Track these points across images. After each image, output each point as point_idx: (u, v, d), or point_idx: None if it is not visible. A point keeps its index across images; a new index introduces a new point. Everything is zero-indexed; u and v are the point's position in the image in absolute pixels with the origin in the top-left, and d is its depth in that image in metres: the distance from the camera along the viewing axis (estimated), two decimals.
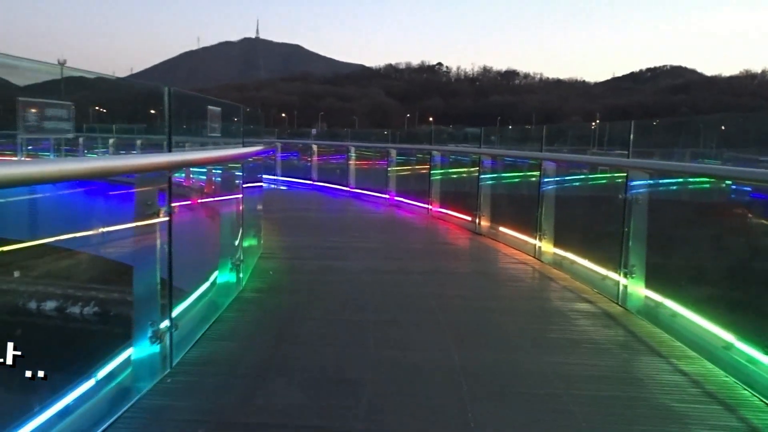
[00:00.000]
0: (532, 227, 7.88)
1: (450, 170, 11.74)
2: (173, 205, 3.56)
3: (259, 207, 7.57)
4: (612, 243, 5.76)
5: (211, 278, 5.20)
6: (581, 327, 4.77)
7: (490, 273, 6.81)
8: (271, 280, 6.02)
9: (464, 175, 12.13)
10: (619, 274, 5.40)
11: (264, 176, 19.54)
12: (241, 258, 5.37)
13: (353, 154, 15.37)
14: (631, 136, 5.28)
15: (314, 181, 17.01)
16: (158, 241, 3.44)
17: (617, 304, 5.37)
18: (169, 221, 3.48)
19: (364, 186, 14.92)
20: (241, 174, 5.54)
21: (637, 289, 5.28)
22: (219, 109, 4.38)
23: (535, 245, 7.51)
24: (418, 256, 7.53)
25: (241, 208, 5.39)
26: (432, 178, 11.38)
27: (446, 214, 11.01)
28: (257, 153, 6.37)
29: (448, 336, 4.40)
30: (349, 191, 15.12)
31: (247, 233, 7.02)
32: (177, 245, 3.57)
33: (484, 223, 9.34)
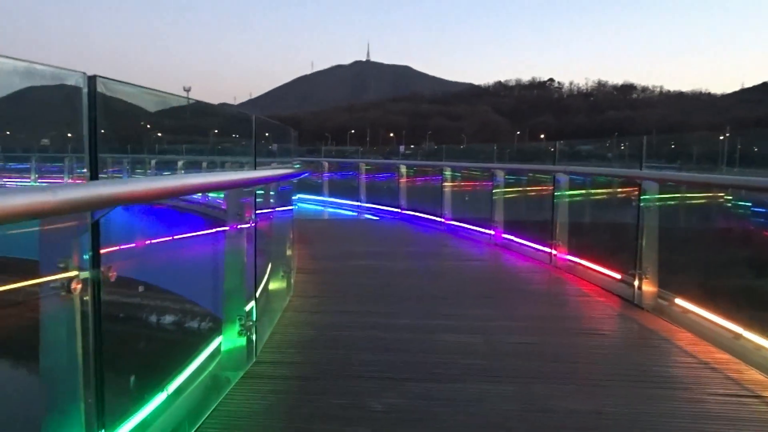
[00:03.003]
0: (751, 305, 4.30)
1: (576, 192, 8.20)
2: None
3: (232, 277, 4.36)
4: None
5: None
6: None
7: None
8: None
9: (593, 197, 8.58)
10: None
11: (347, 202, 16.68)
12: None
13: (449, 175, 12.02)
14: None
15: (403, 209, 13.80)
16: None
17: None
18: None
19: (464, 217, 11.55)
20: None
21: None
22: None
23: None
24: (543, 367, 4.07)
25: None
26: (556, 206, 7.86)
27: (578, 265, 7.46)
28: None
29: None
30: (443, 224, 11.79)
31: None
32: None
33: (648, 289, 5.73)
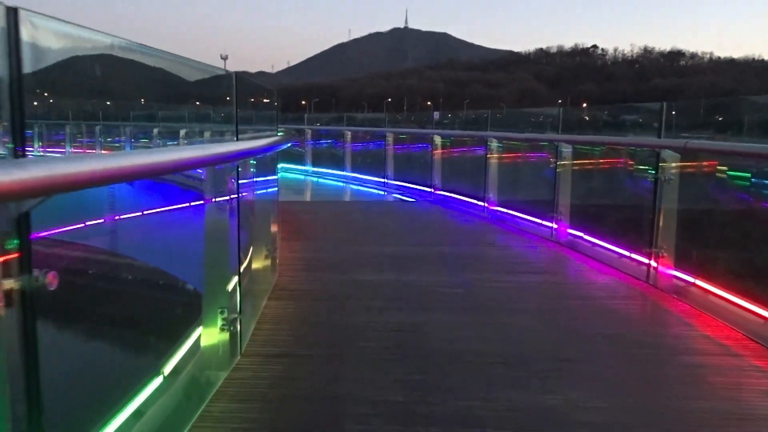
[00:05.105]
0: None
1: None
2: None
3: None
4: None
5: None
6: None
7: None
8: None
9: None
10: None
11: (372, 178, 14.26)
12: None
13: (495, 146, 9.47)
14: None
15: (436, 189, 11.34)
16: None
17: None
18: None
19: (512, 202, 9.07)
20: None
21: None
22: None
23: None
24: None
25: None
26: (660, 197, 5.35)
27: (695, 287, 4.99)
28: None
29: None
30: (486, 209, 9.32)
31: None
32: None
33: None
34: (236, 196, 3.31)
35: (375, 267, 5.89)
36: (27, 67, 1.44)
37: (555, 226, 7.43)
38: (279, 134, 6.50)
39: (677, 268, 5.28)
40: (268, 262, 4.97)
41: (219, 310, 3.24)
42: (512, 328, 4.17)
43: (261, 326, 3.99)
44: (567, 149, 7.27)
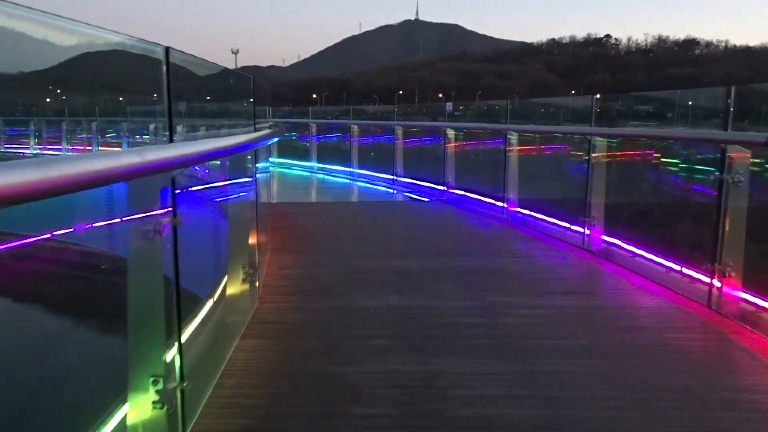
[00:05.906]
0: None
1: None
2: None
3: None
4: None
5: None
6: None
7: None
8: None
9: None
10: None
11: (380, 175, 13.32)
12: None
13: (515, 140, 8.46)
14: None
15: (450, 187, 10.37)
16: None
17: None
18: None
19: (534, 202, 8.12)
20: None
21: None
22: None
23: None
24: None
25: None
26: (725, 202, 4.38)
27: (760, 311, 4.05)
28: None
29: None
30: (505, 211, 8.35)
31: None
32: None
33: None
34: (170, 213, 2.37)
35: (378, 288, 4.96)
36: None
37: (587, 231, 6.46)
38: (267, 129, 5.58)
39: (744, 288, 4.33)
40: (244, 288, 4.05)
41: (151, 380, 2.33)
42: (552, 380, 3.22)
43: (225, 381, 3.08)
44: (600, 143, 6.29)
